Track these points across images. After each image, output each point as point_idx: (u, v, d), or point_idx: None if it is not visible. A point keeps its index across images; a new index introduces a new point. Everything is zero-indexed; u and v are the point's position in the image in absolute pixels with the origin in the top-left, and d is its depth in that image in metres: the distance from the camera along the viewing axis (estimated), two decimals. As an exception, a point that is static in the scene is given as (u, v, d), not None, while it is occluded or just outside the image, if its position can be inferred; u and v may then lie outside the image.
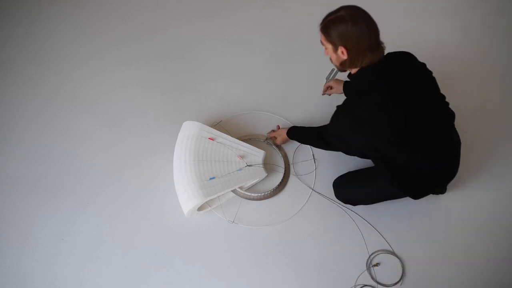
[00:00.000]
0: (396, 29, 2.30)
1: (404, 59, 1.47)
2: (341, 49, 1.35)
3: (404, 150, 1.46)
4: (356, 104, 1.42)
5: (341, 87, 1.91)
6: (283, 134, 1.90)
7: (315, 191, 1.88)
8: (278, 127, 1.96)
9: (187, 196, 1.73)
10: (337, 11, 1.34)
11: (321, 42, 1.42)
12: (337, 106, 1.49)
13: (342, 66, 1.43)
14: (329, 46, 1.39)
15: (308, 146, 1.98)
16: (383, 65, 1.37)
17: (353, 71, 1.43)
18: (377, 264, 1.75)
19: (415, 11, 2.40)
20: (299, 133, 1.84)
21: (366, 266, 1.74)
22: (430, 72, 1.48)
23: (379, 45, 1.35)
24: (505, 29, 2.33)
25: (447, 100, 1.52)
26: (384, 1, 2.41)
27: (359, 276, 1.72)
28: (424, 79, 1.45)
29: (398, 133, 1.39)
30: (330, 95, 2.01)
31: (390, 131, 1.38)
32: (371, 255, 1.76)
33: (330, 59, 1.46)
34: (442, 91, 1.50)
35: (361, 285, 1.72)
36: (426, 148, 1.46)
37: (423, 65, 1.48)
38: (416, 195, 1.60)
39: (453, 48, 2.26)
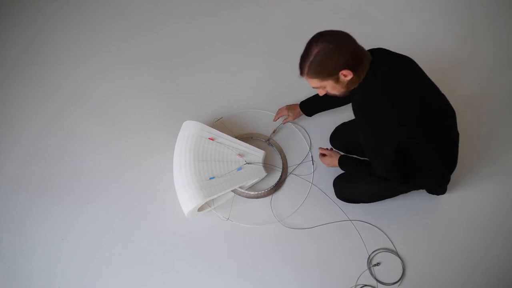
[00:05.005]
0: (395, 30, 2.30)
1: (387, 53, 1.41)
2: (342, 74, 1.27)
3: (428, 145, 1.39)
4: (379, 110, 1.32)
5: (297, 111, 1.89)
6: (334, 159, 1.71)
7: (314, 185, 1.89)
8: (331, 149, 1.78)
9: (187, 197, 1.73)
10: (311, 50, 1.25)
11: (315, 87, 1.35)
12: (358, 125, 1.41)
13: (348, 87, 1.33)
14: (328, 83, 1.31)
15: (308, 147, 1.98)
16: (379, 63, 1.32)
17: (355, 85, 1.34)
18: (377, 264, 1.75)
19: (413, 11, 2.40)
20: (351, 162, 1.67)
21: (367, 265, 1.74)
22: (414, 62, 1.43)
23: (362, 48, 1.30)
24: (503, 28, 2.33)
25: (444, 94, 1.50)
26: (384, 1, 2.41)
27: (359, 276, 1.72)
28: (418, 70, 1.41)
29: (422, 128, 1.35)
30: (284, 123, 1.99)
31: (415, 127, 1.33)
32: (371, 254, 1.76)
33: (328, 94, 1.37)
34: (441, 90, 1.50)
35: (362, 285, 1.72)
36: (438, 144, 1.42)
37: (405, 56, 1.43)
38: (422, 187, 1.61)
39: (451, 48, 2.26)
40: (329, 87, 1.33)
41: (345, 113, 1.94)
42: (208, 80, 2.17)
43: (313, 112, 1.91)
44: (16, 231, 1.82)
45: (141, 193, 1.89)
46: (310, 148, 1.98)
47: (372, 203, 1.83)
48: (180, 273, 1.74)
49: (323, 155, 1.78)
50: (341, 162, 1.68)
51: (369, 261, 1.75)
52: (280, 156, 1.96)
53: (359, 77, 1.30)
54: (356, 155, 1.87)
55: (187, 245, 1.79)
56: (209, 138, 1.86)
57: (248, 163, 1.85)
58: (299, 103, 1.91)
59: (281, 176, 1.91)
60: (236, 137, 1.92)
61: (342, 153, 1.72)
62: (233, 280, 1.74)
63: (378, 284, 1.72)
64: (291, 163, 1.96)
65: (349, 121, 1.87)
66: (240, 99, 2.11)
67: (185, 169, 1.78)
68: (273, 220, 1.84)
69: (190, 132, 1.86)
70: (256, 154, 1.88)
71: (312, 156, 1.96)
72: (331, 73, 1.27)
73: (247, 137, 1.99)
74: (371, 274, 1.73)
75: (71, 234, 1.81)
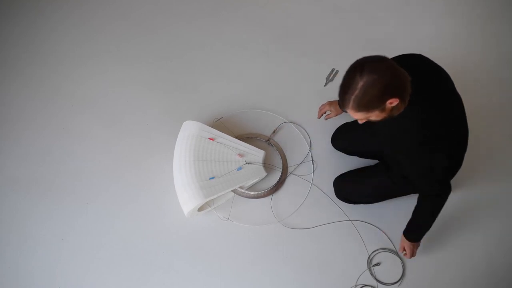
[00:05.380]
0: (395, 30, 2.30)
1: (424, 65, 1.37)
2: (389, 102, 1.20)
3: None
4: (443, 129, 1.30)
5: (338, 107, 1.78)
6: (411, 243, 1.64)
7: (314, 185, 1.89)
8: (403, 248, 1.68)
9: (187, 197, 1.73)
10: (355, 83, 1.16)
11: (358, 119, 1.27)
12: (405, 151, 1.36)
13: (392, 113, 1.26)
14: (374, 113, 1.23)
15: (308, 147, 1.98)
16: (420, 84, 1.25)
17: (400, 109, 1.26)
18: (377, 264, 1.75)
19: (413, 11, 2.40)
20: (416, 224, 1.61)
21: (367, 265, 1.75)
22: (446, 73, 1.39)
23: (402, 69, 1.21)
24: (503, 28, 2.33)
25: None
26: (384, 1, 2.40)
27: (359, 276, 1.72)
28: (451, 85, 1.39)
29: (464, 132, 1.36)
30: (326, 119, 1.87)
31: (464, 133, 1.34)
32: (371, 254, 1.76)
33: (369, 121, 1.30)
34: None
35: (362, 285, 1.72)
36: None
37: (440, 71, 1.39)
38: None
39: (450, 48, 2.26)
40: (374, 116, 1.25)
41: (346, 114, 1.94)
42: (208, 80, 2.17)
43: None
44: (16, 231, 1.82)
45: (141, 193, 1.89)
46: (310, 148, 1.98)
47: (371, 204, 1.83)
48: (180, 273, 1.75)
49: (404, 251, 1.68)
50: (412, 236, 1.62)
51: (369, 261, 1.75)
52: (280, 156, 1.96)
53: (405, 102, 1.24)
54: (357, 156, 1.87)
55: (187, 245, 1.79)
56: (209, 138, 1.86)
57: (248, 163, 1.85)
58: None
59: (281, 176, 1.91)
60: (236, 137, 1.93)
61: (403, 232, 1.65)
62: (233, 280, 1.74)
63: (378, 284, 1.72)
64: (291, 163, 1.96)
65: (352, 122, 1.86)
66: (240, 99, 2.11)
67: (185, 169, 1.78)
68: (273, 220, 1.84)
69: (190, 132, 1.86)
70: (256, 154, 1.88)
71: (312, 156, 1.96)
72: (378, 105, 1.20)
73: (247, 137, 2.00)
74: (371, 274, 1.73)
75: (71, 234, 1.81)
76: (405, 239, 1.64)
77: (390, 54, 2.22)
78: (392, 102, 1.20)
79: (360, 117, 1.25)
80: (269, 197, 1.88)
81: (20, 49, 2.25)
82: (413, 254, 1.66)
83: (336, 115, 1.82)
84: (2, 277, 1.73)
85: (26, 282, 1.73)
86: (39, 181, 1.91)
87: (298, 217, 1.84)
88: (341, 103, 1.23)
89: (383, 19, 2.33)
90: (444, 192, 1.45)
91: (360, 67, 1.17)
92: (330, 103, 1.82)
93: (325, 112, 1.85)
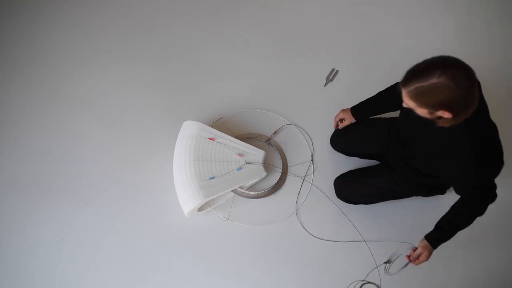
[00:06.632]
0: (396, 30, 2.30)
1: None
2: (442, 112, 1.14)
3: None
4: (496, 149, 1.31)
5: (351, 116, 1.75)
6: (428, 248, 1.49)
7: (314, 185, 1.89)
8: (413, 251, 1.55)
9: (187, 197, 1.73)
10: (431, 76, 1.09)
11: (404, 104, 1.20)
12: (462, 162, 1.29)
13: (436, 123, 1.22)
14: (423, 111, 1.17)
15: (308, 148, 1.98)
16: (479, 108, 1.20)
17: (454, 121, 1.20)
18: (388, 261, 1.74)
19: (414, 11, 2.40)
20: (441, 230, 1.48)
21: (375, 264, 1.75)
22: None
23: (477, 95, 1.15)
24: (503, 28, 2.33)
25: None
26: (384, 1, 2.41)
27: (368, 274, 1.73)
28: None
29: None
30: (340, 128, 1.82)
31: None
32: (374, 252, 1.76)
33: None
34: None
35: (366, 282, 1.72)
36: None
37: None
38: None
39: (451, 48, 2.26)
40: (419, 112, 1.19)
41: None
42: (208, 80, 2.17)
43: (363, 118, 1.76)
44: (16, 231, 1.82)
45: (141, 193, 1.89)
46: (310, 149, 1.98)
47: (371, 204, 1.83)
48: (180, 273, 1.75)
49: (418, 256, 1.51)
50: (433, 241, 1.48)
51: (389, 257, 1.75)
52: (280, 156, 1.96)
53: (455, 122, 1.19)
54: (356, 156, 1.87)
55: (187, 245, 1.79)
56: (209, 138, 1.86)
57: (248, 163, 1.85)
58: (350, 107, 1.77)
59: (281, 176, 1.91)
60: (236, 137, 1.93)
61: (424, 237, 1.50)
62: (233, 280, 1.74)
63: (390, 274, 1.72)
64: (291, 163, 1.96)
65: (350, 124, 1.85)
66: (240, 99, 2.11)
67: (185, 169, 1.78)
68: (273, 220, 1.84)
69: (190, 132, 1.86)
70: (256, 154, 1.88)
71: (312, 156, 1.96)
72: (431, 107, 1.14)
73: (247, 137, 2.00)
74: (384, 271, 1.73)
75: (71, 234, 1.81)
76: (425, 242, 1.48)
77: (390, 54, 2.24)
78: (444, 114, 1.15)
79: (408, 104, 1.18)
80: (269, 197, 1.88)
81: (20, 49, 2.25)
82: (426, 258, 1.50)
83: (350, 122, 1.77)
84: (2, 277, 1.73)
85: (26, 282, 1.73)
86: (39, 181, 1.91)
87: (298, 217, 1.84)
88: (403, 81, 1.15)
89: (383, 19, 2.33)
90: (491, 194, 1.43)
91: (448, 65, 1.09)
92: (344, 111, 1.77)
93: (340, 121, 1.80)
